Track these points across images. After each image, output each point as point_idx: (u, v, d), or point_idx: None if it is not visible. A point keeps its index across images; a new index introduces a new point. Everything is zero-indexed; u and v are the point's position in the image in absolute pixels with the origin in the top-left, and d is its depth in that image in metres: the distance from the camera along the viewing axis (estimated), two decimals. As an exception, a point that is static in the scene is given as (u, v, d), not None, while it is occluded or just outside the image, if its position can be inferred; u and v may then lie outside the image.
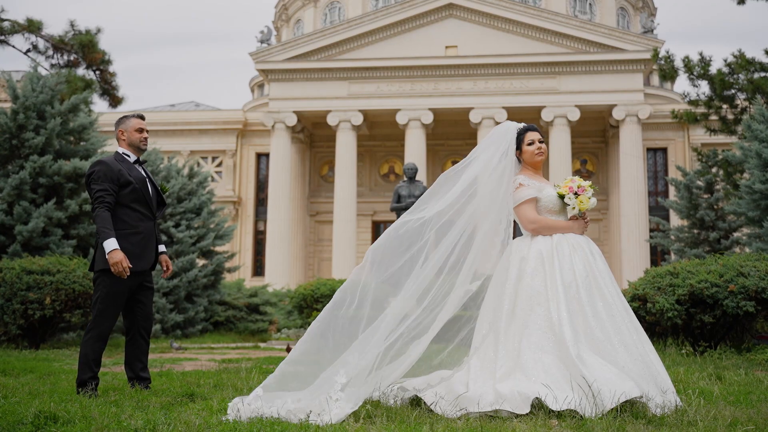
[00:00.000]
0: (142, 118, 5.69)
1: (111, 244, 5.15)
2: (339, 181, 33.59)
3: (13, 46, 21.10)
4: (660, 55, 20.46)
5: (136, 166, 5.57)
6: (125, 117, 5.64)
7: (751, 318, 9.09)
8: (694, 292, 8.87)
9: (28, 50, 21.17)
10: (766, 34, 43.84)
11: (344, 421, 4.01)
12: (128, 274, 5.20)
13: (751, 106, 18.02)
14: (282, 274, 31.88)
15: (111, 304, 5.33)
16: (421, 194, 15.87)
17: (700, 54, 19.10)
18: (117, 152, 5.59)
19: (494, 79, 33.23)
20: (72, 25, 21.21)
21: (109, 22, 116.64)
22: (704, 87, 19.72)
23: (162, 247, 5.70)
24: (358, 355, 4.46)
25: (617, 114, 32.44)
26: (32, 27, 20.63)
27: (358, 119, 33.66)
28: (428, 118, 33.24)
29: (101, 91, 21.68)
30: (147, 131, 5.66)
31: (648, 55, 30.03)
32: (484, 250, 4.90)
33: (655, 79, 40.39)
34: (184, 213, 16.91)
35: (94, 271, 5.42)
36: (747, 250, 15.49)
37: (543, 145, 5.01)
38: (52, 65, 21.29)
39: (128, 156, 5.56)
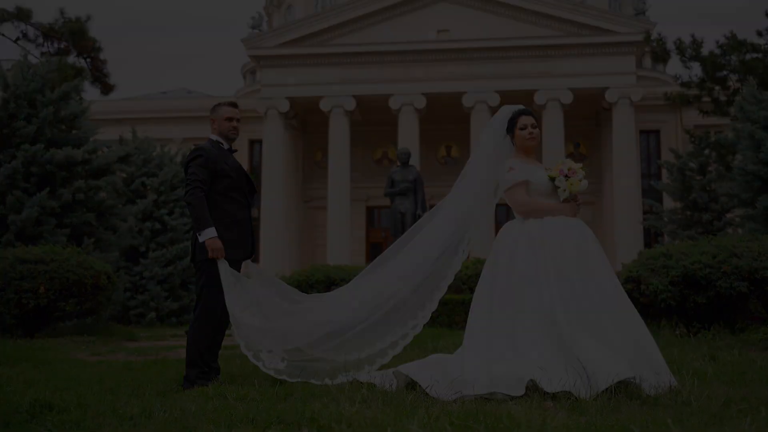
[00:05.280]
0: (234, 105, 5.54)
1: (210, 233, 5.03)
2: (332, 167, 33.54)
3: (3, 35, 20.98)
4: (652, 38, 20.45)
5: (231, 154, 5.45)
6: (218, 105, 5.50)
7: (744, 298, 9.11)
8: (687, 274, 8.89)
9: (18, 38, 21.07)
10: (758, 15, 43.83)
11: (341, 404, 4.01)
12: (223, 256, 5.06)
13: (743, 87, 18.02)
14: (276, 261, 31.81)
15: (218, 290, 5.14)
16: (415, 179, 15.89)
17: (692, 36, 19.11)
18: (210, 139, 5.45)
19: (487, 63, 33.13)
20: (62, 13, 21.11)
21: (100, 10, 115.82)
22: (696, 69, 19.74)
23: None
24: None
25: (610, 97, 32.42)
26: (22, 15, 20.51)
27: (351, 105, 33.58)
28: (421, 103, 33.15)
29: (92, 78, 21.60)
30: (238, 120, 5.49)
31: (640, 38, 29.97)
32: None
33: (648, 62, 40.30)
34: (178, 201, 16.79)
35: (197, 261, 5.20)
36: (740, 231, 15.53)
37: (535, 131, 4.95)
38: (43, 53, 21.18)
39: (222, 144, 5.43)
